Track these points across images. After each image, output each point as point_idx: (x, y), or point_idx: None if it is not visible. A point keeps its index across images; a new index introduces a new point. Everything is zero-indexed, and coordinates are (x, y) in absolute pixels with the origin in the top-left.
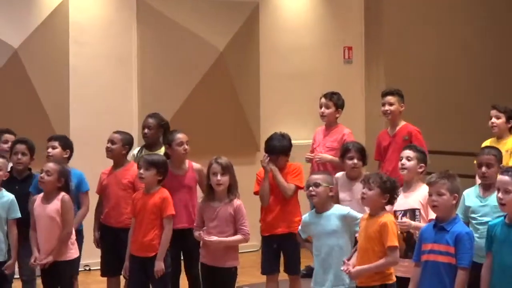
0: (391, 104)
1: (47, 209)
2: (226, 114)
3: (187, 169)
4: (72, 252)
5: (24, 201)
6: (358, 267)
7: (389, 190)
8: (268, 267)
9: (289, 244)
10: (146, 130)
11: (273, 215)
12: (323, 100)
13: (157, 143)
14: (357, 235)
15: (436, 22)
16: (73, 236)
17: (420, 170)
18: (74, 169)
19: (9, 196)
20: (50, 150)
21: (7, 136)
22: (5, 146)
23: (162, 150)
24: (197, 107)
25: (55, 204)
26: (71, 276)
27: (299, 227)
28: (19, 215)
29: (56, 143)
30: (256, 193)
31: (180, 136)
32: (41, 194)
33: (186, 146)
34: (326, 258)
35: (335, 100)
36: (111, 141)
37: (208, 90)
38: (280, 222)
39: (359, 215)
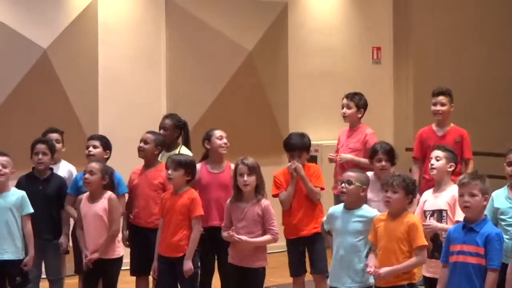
0: (442, 105)
1: (94, 208)
2: (255, 114)
3: (224, 168)
4: (119, 251)
5: (47, 201)
6: (387, 268)
7: (412, 191)
8: (296, 270)
9: (316, 244)
10: (161, 131)
11: (298, 218)
12: (344, 100)
13: (174, 144)
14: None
15: (466, 21)
16: (120, 235)
17: (450, 169)
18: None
19: (20, 193)
20: (91, 149)
21: (51, 135)
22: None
23: (178, 151)
24: (225, 107)
25: (102, 203)
26: (117, 274)
27: (324, 218)
28: (31, 210)
29: (97, 143)
30: (275, 195)
31: (218, 131)
32: (87, 194)
33: (226, 141)
34: (344, 256)
35: (357, 101)
36: (144, 140)
37: (236, 90)
38: (306, 224)
39: None
